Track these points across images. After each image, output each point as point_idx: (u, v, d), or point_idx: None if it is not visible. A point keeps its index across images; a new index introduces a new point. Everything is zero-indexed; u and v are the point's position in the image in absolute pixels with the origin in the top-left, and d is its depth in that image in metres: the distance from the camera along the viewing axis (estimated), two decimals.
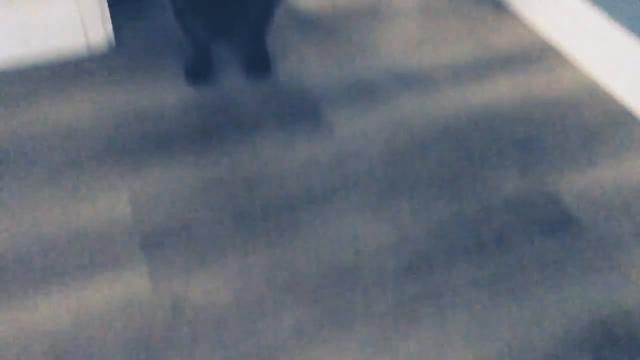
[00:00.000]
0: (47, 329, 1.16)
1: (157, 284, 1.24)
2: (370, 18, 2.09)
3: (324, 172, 1.50)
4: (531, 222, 1.41)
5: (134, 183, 1.45)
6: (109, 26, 1.85)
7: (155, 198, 1.42)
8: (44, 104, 1.66)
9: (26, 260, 1.27)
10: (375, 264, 1.30)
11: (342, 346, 1.15)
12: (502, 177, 1.52)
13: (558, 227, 1.40)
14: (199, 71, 1.77)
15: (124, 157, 1.51)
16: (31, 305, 1.20)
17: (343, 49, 1.93)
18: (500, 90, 1.79)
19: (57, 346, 1.13)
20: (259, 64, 1.80)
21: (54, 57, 1.81)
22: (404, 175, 1.51)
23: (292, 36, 1.98)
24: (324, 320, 1.19)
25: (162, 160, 1.51)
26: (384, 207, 1.42)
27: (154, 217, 1.37)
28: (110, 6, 2.06)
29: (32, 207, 1.38)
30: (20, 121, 1.60)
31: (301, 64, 1.86)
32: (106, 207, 1.39)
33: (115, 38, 1.90)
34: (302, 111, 1.68)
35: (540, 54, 1.95)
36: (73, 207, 1.39)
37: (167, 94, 1.72)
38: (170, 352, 1.13)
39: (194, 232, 1.35)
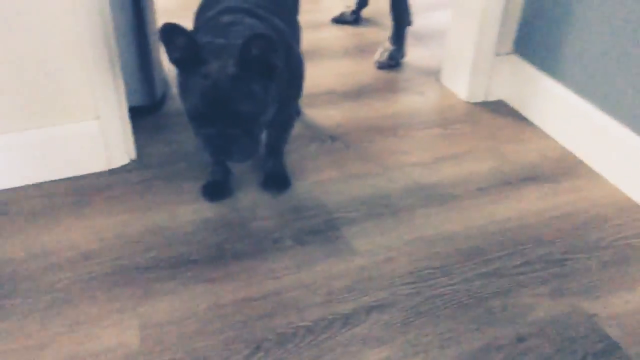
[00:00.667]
0: None
1: None
2: (389, 133, 2.09)
3: (344, 295, 1.43)
4: (569, 351, 1.30)
5: (144, 309, 1.38)
6: (131, 144, 1.87)
7: (165, 325, 1.34)
8: (61, 220, 1.64)
9: None
10: None
11: None
12: (533, 301, 1.42)
13: (600, 357, 1.29)
14: (217, 186, 1.76)
15: (136, 279, 1.46)
16: None
17: (361, 164, 1.91)
18: (526, 205, 1.74)
19: None
20: (276, 179, 1.79)
21: (74, 172, 1.81)
22: (429, 298, 1.43)
23: (310, 152, 1.97)
24: None
25: (175, 285, 1.45)
26: (410, 335, 1.33)
27: (163, 347, 1.30)
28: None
29: (37, 337, 1.31)
30: (35, 239, 1.57)
31: (319, 179, 1.84)
32: (115, 336, 1.32)
33: (137, 153, 1.91)
34: (320, 228, 1.64)
35: (565, 166, 1.91)
36: (80, 333, 1.32)
37: (183, 210, 1.69)
38: None
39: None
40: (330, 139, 2.04)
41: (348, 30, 2.93)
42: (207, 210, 1.70)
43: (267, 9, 1.57)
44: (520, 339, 1.32)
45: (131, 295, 1.41)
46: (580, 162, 1.93)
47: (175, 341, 1.30)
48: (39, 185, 1.77)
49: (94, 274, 1.47)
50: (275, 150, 1.78)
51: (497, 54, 2.20)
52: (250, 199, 1.75)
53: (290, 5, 1.81)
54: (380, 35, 2.79)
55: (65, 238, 1.58)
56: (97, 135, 1.78)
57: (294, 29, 1.74)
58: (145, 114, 2.11)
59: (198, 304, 1.40)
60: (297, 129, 2.09)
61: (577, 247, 1.59)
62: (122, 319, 1.35)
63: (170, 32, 1.31)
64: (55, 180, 1.79)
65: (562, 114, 2.01)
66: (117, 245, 1.56)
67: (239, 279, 1.47)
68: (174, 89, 2.24)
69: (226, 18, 1.47)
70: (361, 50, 2.71)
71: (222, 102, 1.32)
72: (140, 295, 1.42)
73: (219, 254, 1.54)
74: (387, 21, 2.56)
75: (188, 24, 1.48)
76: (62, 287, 1.43)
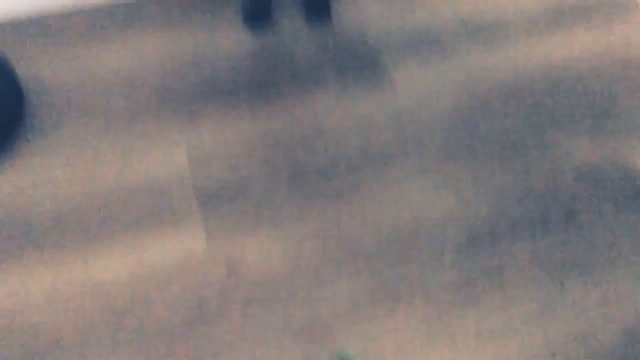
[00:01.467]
0: (105, 286, 1.17)
1: (212, 243, 1.24)
2: None
3: (384, 132, 1.44)
4: (603, 196, 1.33)
5: (190, 135, 1.42)
6: None
7: (212, 152, 1.39)
8: (103, 47, 1.62)
9: (83, 214, 1.28)
10: (434, 234, 1.26)
11: (397, 323, 1.13)
12: (573, 146, 1.42)
13: (632, 203, 1.32)
14: (258, 14, 1.69)
15: (180, 107, 1.48)
16: (88, 261, 1.21)
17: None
18: (576, 46, 1.66)
19: (114, 303, 1.15)
20: (319, 7, 1.71)
21: None
22: (468, 138, 1.43)
23: None
24: (380, 294, 1.17)
25: (219, 112, 1.47)
26: (445, 173, 1.36)
27: (211, 172, 1.35)
28: None
29: (89, 160, 1.37)
30: (79, 64, 1.57)
31: (363, 10, 1.75)
32: (163, 161, 1.37)
33: None
34: (363, 63, 1.60)
35: (620, 5, 1.79)
36: (130, 160, 1.37)
37: (223, 38, 1.65)
38: (223, 312, 1.14)
39: (250, 191, 1.33)
40: None
41: None
42: (248, 39, 1.66)
43: None
44: (554, 182, 1.35)
45: (178, 122, 1.45)
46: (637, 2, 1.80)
47: (221, 165, 1.36)
48: (75, 13, 1.73)
49: (139, 102, 1.49)
50: None
51: None
52: (292, 29, 1.69)
53: None
54: None
55: (111, 64, 1.58)
56: None
57: None
58: None
59: (242, 132, 1.43)
60: None
61: (624, 94, 1.54)
62: (170, 148, 1.40)
63: None
64: (97, 6, 1.74)
65: None
66: (160, 73, 1.56)
67: (283, 111, 1.48)
68: None
69: None
70: None
71: None
72: (186, 122, 1.45)
73: (263, 86, 1.54)
74: None
75: None
76: (112, 114, 1.46)
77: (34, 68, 1.54)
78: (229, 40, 1.65)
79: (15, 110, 1.39)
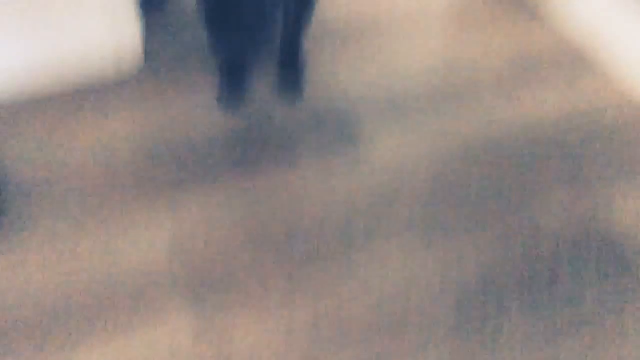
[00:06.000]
0: None
1: (200, 335, 1.21)
2: (403, 26, 2.00)
3: (365, 206, 1.45)
4: (584, 260, 1.35)
5: (171, 221, 1.41)
6: (140, 45, 1.79)
7: (194, 237, 1.38)
8: (76, 132, 1.61)
9: (64, 314, 1.25)
10: (425, 311, 1.25)
11: None
12: (552, 209, 1.45)
13: (612, 271, 1.33)
14: (232, 94, 1.71)
15: (160, 191, 1.47)
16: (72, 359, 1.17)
17: (376, 61, 1.85)
18: (545, 102, 1.71)
19: None
20: (291, 83, 1.74)
21: (85, 78, 1.76)
22: (449, 206, 1.45)
23: (322, 52, 1.90)
24: None
25: (199, 194, 1.46)
26: (431, 246, 1.37)
27: (194, 258, 1.34)
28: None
29: (67, 256, 1.35)
30: (52, 153, 1.56)
31: (334, 81, 1.79)
32: (145, 248, 1.35)
33: (145, 55, 1.84)
34: (340, 134, 1.62)
35: (578, 61, 1.86)
36: (111, 251, 1.35)
37: (200, 119, 1.66)
38: None
39: (235, 276, 1.31)
40: (341, 36, 1.95)
41: None
42: (224, 118, 1.66)
43: None
44: (537, 247, 1.36)
45: (158, 206, 1.43)
46: (595, 58, 1.88)
47: (205, 252, 1.34)
48: (49, 97, 1.72)
49: (117, 186, 1.48)
50: (295, 38, 1.65)
51: None
52: (266, 108, 1.71)
53: None
54: None
55: (86, 150, 1.57)
56: (108, 38, 1.70)
57: None
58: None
59: (223, 211, 1.42)
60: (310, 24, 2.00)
61: (593, 147, 1.59)
62: (151, 234, 1.38)
63: None
64: (67, 89, 1.74)
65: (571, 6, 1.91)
66: (137, 155, 1.55)
67: (261, 191, 1.48)
68: None
69: None
70: None
71: None
72: (166, 206, 1.43)
73: (241, 165, 1.54)
74: None
75: None
76: (89, 198, 1.45)
77: (9, 158, 1.52)
78: (205, 120, 1.66)
79: None
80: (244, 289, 1.28)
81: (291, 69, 1.73)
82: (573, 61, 1.87)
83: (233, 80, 1.71)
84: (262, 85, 1.78)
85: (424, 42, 1.93)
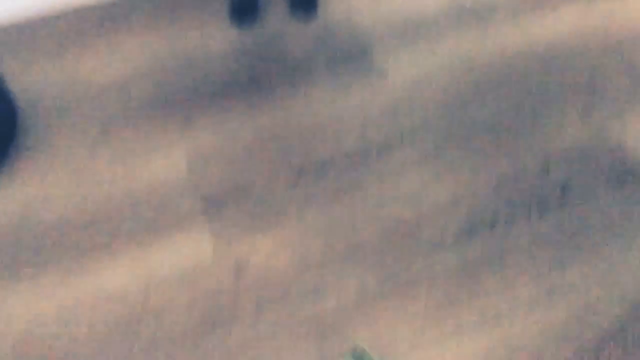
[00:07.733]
0: (115, 296, 1.19)
1: (219, 247, 1.25)
2: None
3: (379, 122, 1.45)
4: (593, 174, 1.35)
5: (187, 139, 1.42)
6: None
7: (210, 155, 1.40)
8: (91, 53, 1.61)
9: (87, 227, 1.29)
10: (435, 223, 1.28)
11: (405, 311, 1.16)
12: (563, 125, 1.45)
13: (622, 179, 1.34)
14: (245, 10, 1.69)
15: (176, 110, 1.48)
16: (97, 273, 1.22)
17: None
18: (562, 25, 1.67)
19: (126, 312, 1.17)
20: (304, 2, 1.70)
21: None
22: (461, 123, 1.45)
23: None
24: (386, 284, 1.20)
25: (214, 113, 1.47)
26: (442, 161, 1.38)
27: (211, 176, 1.36)
28: None
29: (89, 168, 1.38)
30: (69, 73, 1.56)
31: (350, 1, 1.75)
32: (163, 166, 1.38)
33: None
34: (353, 54, 1.61)
35: None
36: (129, 167, 1.38)
37: (212, 37, 1.65)
38: (236, 317, 1.16)
39: (251, 192, 1.34)
40: None
41: None
42: (236, 36, 1.65)
43: None
44: (546, 163, 1.37)
45: (174, 125, 1.45)
46: None
47: (221, 166, 1.37)
48: (63, 16, 1.71)
49: (133, 107, 1.49)
50: None
51: None
52: (279, 23, 1.69)
53: None
54: None
55: (101, 70, 1.57)
56: None
57: None
58: None
59: (239, 130, 1.43)
60: None
61: (609, 68, 1.56)
62: (169, 153, 1.40)
63: None
64: (82, 10, 1.72)
65: None
66: (152, 77, 1.56)
67: (277, 107, 1.48)
68: None
69: None
70: None
71: None
72: (182, 124, 1.45)
73: (255, 83, 1.54)
74: None
75: None
76: (106, 121, 1.46)
77: (24, 80, 1.53)
78: (218, 38, 1.65)
79: (9, 125, 1.39)
80: (260, 203, 1.31)
81: None
82: None
83: None
84: (275, 1, 1.75)
85: None
